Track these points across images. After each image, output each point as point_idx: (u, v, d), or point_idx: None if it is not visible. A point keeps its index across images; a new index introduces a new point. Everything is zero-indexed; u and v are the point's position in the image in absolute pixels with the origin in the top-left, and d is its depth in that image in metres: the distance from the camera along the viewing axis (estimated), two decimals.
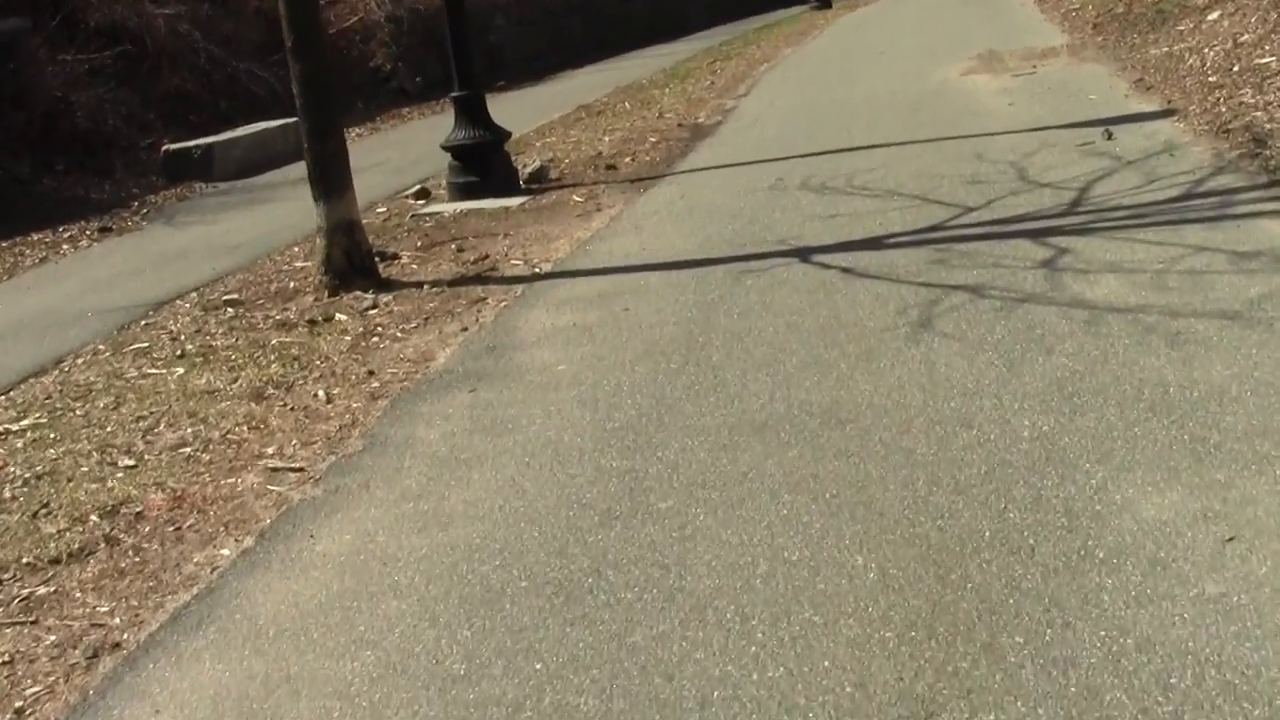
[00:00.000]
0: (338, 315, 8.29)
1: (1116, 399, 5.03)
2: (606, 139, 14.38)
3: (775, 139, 12.64)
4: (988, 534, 4.13)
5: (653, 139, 13.92)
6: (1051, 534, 4.07)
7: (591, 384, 6.22)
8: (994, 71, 14.89)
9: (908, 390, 5.48)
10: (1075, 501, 4.25)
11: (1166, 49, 13.51)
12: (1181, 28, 14.43)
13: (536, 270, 8.80)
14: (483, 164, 11.89)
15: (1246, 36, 12.20)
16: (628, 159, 12.89)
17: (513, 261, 9.14)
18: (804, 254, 7.96)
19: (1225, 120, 9.70)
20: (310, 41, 8.88)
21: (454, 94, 12.06)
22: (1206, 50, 12.36)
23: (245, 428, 6.40)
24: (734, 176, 11.01)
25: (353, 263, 8.91)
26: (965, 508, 4.33)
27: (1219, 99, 10.43)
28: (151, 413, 6.84)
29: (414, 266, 9.45)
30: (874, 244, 7.96)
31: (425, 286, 8.74)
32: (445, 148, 12.04)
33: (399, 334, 7.71)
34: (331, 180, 8.85)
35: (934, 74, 15.58)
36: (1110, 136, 9.92)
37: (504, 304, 8.02)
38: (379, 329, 7.87)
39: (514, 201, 11.43)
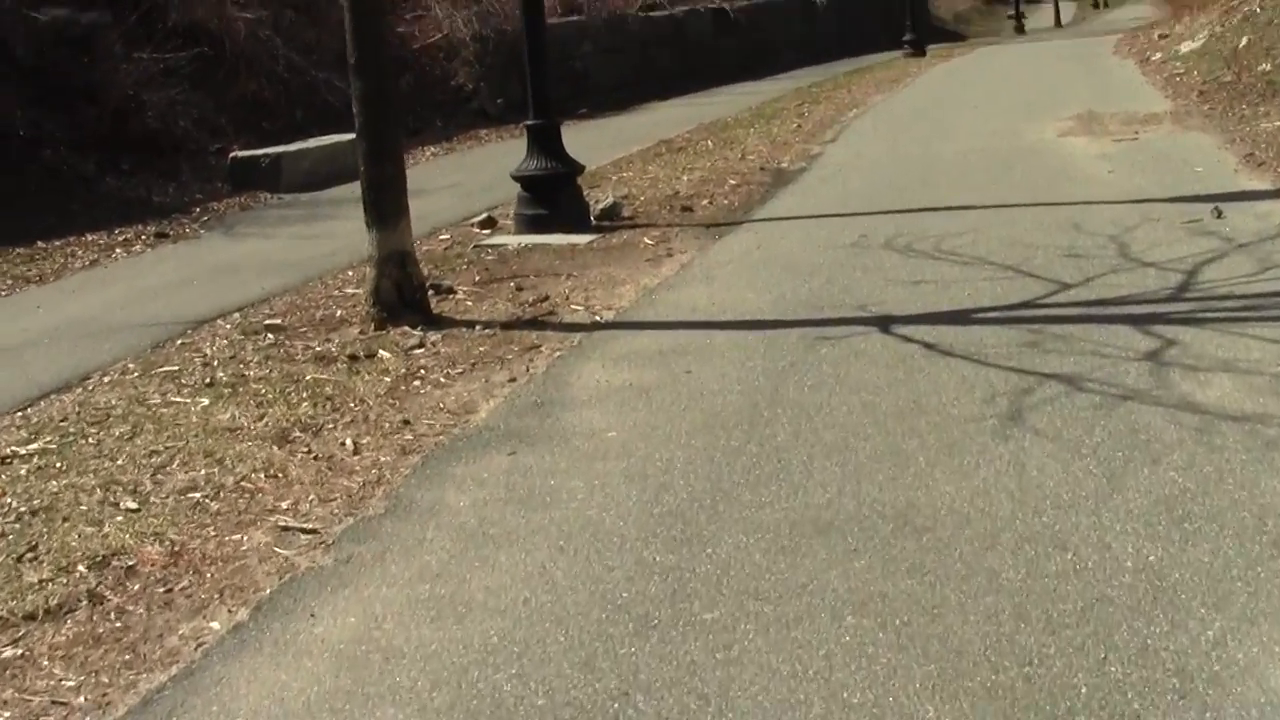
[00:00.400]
0: (381, 352, 7.75)
1: (1234, 528, 4.40)
2: (685, 178, 13.83)
3: (860, 191, 12.05)
4: (1084, 690, 3.53)
5: (733, 181, 13.35)
6: (1160, 698, 3.46)
7: (642, 457, 5.65)
8: (1093, 134, 14.23)
9: (994, 496, 4.87)
10: (1188, 657, 3.63)
11: (1279, 123, 12.81)
12: None
13: (597, 318, 8.24)
14: (553, 197, 11.37)
15: None
16: (705, 201, 12.33)
17: (573, 306, 8.59)
18: (884, 323, 7.36)
19: None
20: (375, 59, 8.41)
21: (528, 122, 11.57)
22: None
23: (262, 475, 5.86)
24: (815, 229, 10.43)
25: (403, 296, 8.39)
26: (1058, 653, 3.72)
27: None
28: (166, 448, 6.32)
29: (469, 303, 8.92)
30: (961, 318, 7.34)
31: (477, 327, 8.20)
32: (515, 177, 11.54)
33: (442, 379, 7.17)
34: (386, 207, 8.36)
35: (1029, 132, 14.94)
36: (1220, 215, 9.26)
37: (558, 354, 7.46)
38: (422, 372, 7.33)
39: (582, 239, 10.89)
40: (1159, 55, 22.81)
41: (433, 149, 20.06)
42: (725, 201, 12.30)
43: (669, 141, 17.59)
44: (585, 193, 12.72)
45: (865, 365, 6.61)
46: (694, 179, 13.73)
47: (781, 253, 9.61)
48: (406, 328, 8.24)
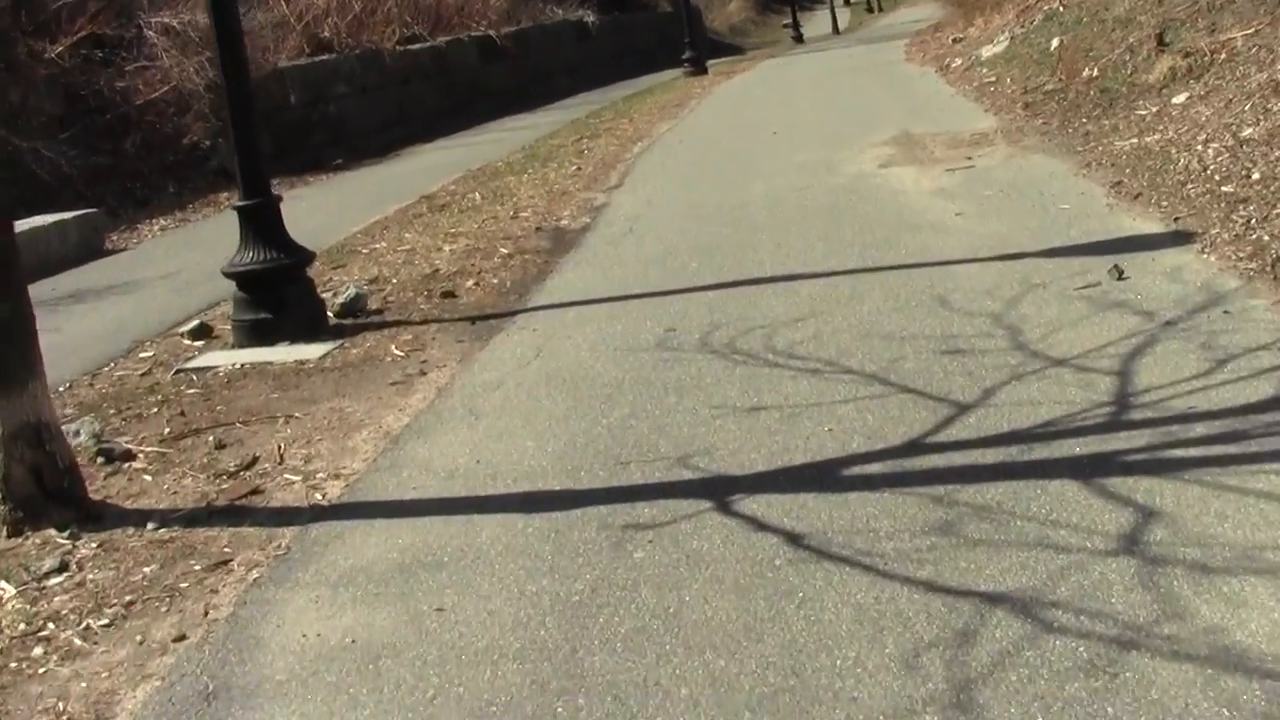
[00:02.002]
0: (1, 584, 5.33)
1: None
2: (447, 249, 11.49)
3: (659, 257, 9.84)
4: None
5: (505, 250, 11.07)
6: None
7: None
8: (920, 163, 12.24)
9: None
10: None
11: (1135, 140, 10.96)
12: (1143, 112, 11.92)
13: (318, 497, 5.90)
14: (277, 296, 8.98)
15: (1249, 130, 9.64)
16: (470, 281, 10.02)
17: (288, 476, 6.23)
18: (721, 491, 5.15)
19: (1279, 254, 7.08)
20: None
21: (236, 203, 9.21)
22: (1199, 146, 9.78)
23: None
24: (608, 320, 8.20)
25: (44, 485, 5.94)
26: None
27: (1251, 219, 7.83)
28: None
29: (148, 477, 6.51)
30: (829, 478, 5.16)
31: (150, 524, 5.83)
32: (228, 274, 9.13)
33: (78, 640, 4.79)
34: (8, 363, 5.89)
35: (845, 163, 12.92)
36: (1121, 275, 7.27)
37: (255, 574, 5.12)
38: (51, 625, 4.93)
39: (315, 351, 8.53)
40: (959, 62, 21.12)
41: (162, 221, 17.52)
42: (495, 280, 10.00)
43: (431, 197, 15.21)
44: (327, 277, 10.51)
45: (704, 586, 4.38)
46: (458, 249, 11.41)
47: (568, 364, 7.35)
48: (52, 530, 5.85)
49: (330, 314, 9.34)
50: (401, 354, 8.17)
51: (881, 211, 10.19)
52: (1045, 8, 20.25)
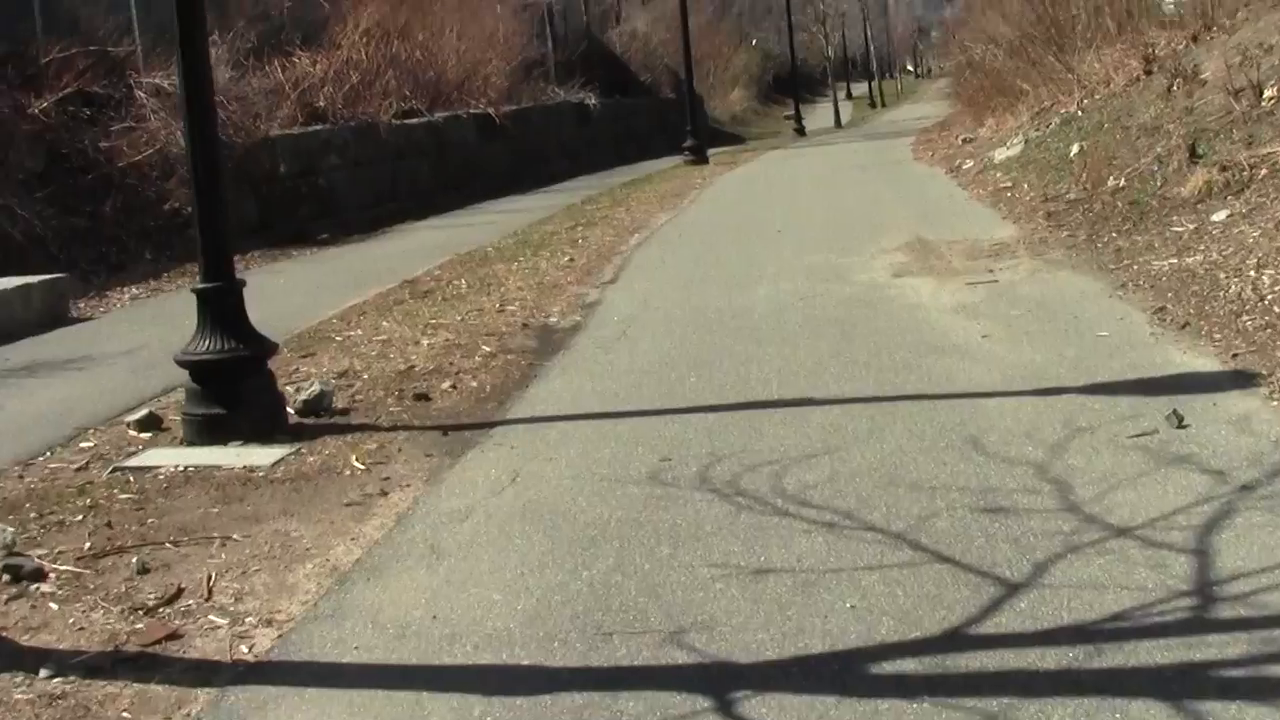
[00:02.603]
0: None
1: None
2: (425, 342, 10.63)
3: (654, 367, 8.99)
4: None
5: (487, 348, 10.21)
6: None
7: None
8: (936, 274, 11.44)
9: None
10: None
11: (1174, 260, 10.16)
12: (1179, 229, 11.14)
13: (244, 650, 5.00)
14: (232, 391, 8.13)
15: None
16: (447, 383, 9.16)
17: (213, 617, 5.34)
18: (722, 685, 4.26)
19: None
20: None
21: (196, 285, 8.38)
22: (1251, 272, 8.98)
23: None
24: (595, 441, 7.33)
25: None
26: None
27: None
28: None
29: (53, 606, 5.61)
30: (853, 674, 4.27)
31: (44, 670, 4.91)
32: (181, 363, 8.28)
33: None
34: None
35: (855, 270, 12.13)
36: (1181, 423, 6.41)
37: None
38: None
39: (268, 456, 7.67)
40: (971, 164, 20.45)
41: (135, 289, 16.62)
42: (474, 383, 9.14)
43: (414, 281, 14.37)
44: (294, 366, 9.70)
45: None
46: (437, 343, 10.55)
47: (547, 494, 6.47)
48: None
49: (291, 411, 8.50)
50: (363, 467, 7.29)
51: (899, 328, 9.36)
52: (1062, 111, 19.61)
